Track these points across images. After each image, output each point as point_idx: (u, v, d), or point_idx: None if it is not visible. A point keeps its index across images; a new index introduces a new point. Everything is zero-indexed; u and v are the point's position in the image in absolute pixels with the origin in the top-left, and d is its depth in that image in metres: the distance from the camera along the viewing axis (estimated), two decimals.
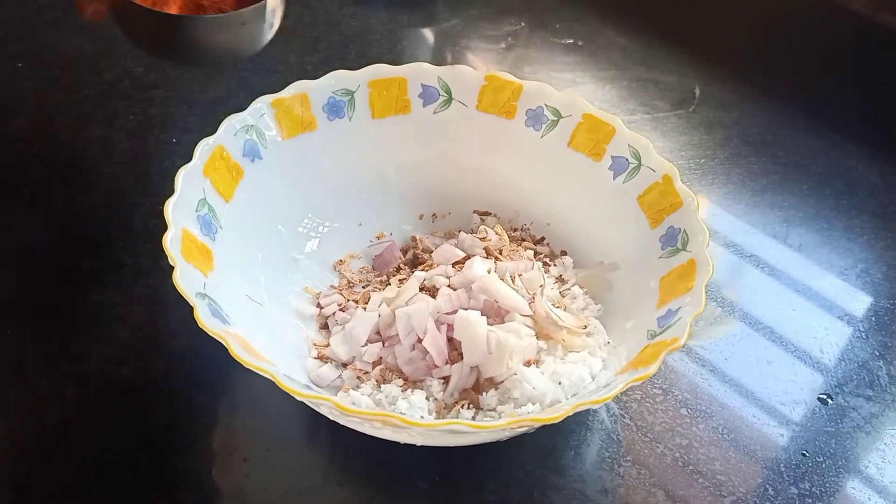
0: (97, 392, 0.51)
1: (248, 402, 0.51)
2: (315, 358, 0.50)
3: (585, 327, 0.49)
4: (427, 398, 0.46)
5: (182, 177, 0.47)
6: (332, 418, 0.43)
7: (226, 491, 0.46)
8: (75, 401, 0.50)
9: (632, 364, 0.44)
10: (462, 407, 0.46)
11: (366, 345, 0.49)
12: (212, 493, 0.46)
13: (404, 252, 0.58)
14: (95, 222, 0.62)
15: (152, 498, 0.46)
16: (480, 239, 0.56)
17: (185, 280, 0.42)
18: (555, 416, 0.38)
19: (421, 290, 0.51)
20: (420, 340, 0.48)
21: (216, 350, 0.51)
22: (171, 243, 0.44)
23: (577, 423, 0.51)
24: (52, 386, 0.50)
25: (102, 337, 0.53)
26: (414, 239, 0.59)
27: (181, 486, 0.46)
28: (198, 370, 0.52)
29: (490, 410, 0.46)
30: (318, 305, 0.54)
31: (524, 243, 0.58)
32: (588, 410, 0.51)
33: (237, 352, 0.39)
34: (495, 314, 0.49)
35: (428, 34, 0.88)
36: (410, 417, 0.42)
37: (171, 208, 0.45)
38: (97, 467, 0.47)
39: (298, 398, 0.39)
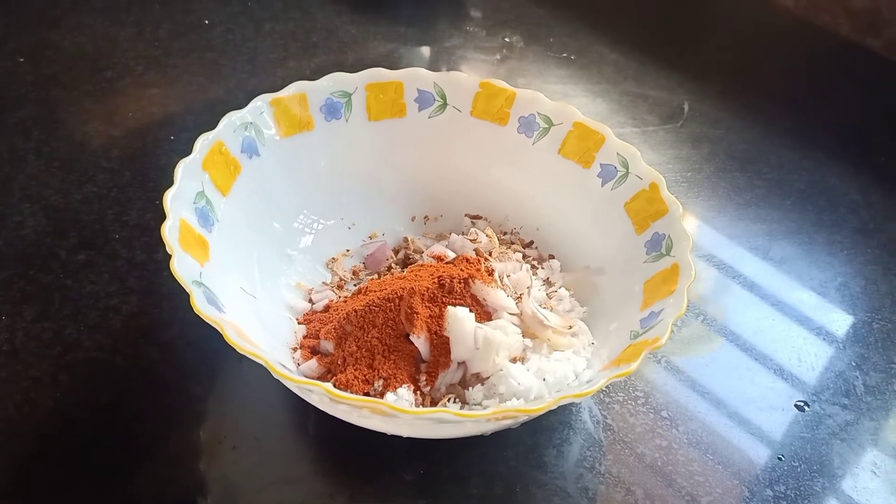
0: (90, 379, 0.51)
1: (239, 392, 0.51)
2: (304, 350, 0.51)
3: (571, 327, 0.51)
4: (414, 392, 0.47)
5: (181, 169, 0.48)
6: (321, 407, 0.44)
7: (214, 478, 0.47)
8: (69, 387, 0.51)
9: (614, 362, 0.45)
10: (448, 401, 0.47)
11: None
12: (201, 481, 0.47)
13: (396, 252, 0.60)
14: (92, 215, 0.62)
15: (143, 484, 0.46)
16: (471, 241, 0.57)
17: (182, 268, 0.43)
18: (538, 407, 0.39)
19: None
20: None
21: (208, 341, 0.53)
22: (169, 232, 0.44)
23: (560, 422, 0.52)
24: (47, 372, 0.51)
25: (97, 326, 0.54)
26: (406, 239, 0.60)
27: (171, 473, 0.47)
28: (190, 360, 0.53)
29: (476, 405, 0.47)
30: (310, 301, 0.55)
31: (513, 246, 0.59)
32: (570, 411, 0.52)
33: (232, 337, 0.40)
34: (483, 313, 0.50)
35: (424, 44, 0.90)
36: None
37: (170, 199, 0.46)
38: (89, 453, 0.47)
39: (290, 384, 0.40)
